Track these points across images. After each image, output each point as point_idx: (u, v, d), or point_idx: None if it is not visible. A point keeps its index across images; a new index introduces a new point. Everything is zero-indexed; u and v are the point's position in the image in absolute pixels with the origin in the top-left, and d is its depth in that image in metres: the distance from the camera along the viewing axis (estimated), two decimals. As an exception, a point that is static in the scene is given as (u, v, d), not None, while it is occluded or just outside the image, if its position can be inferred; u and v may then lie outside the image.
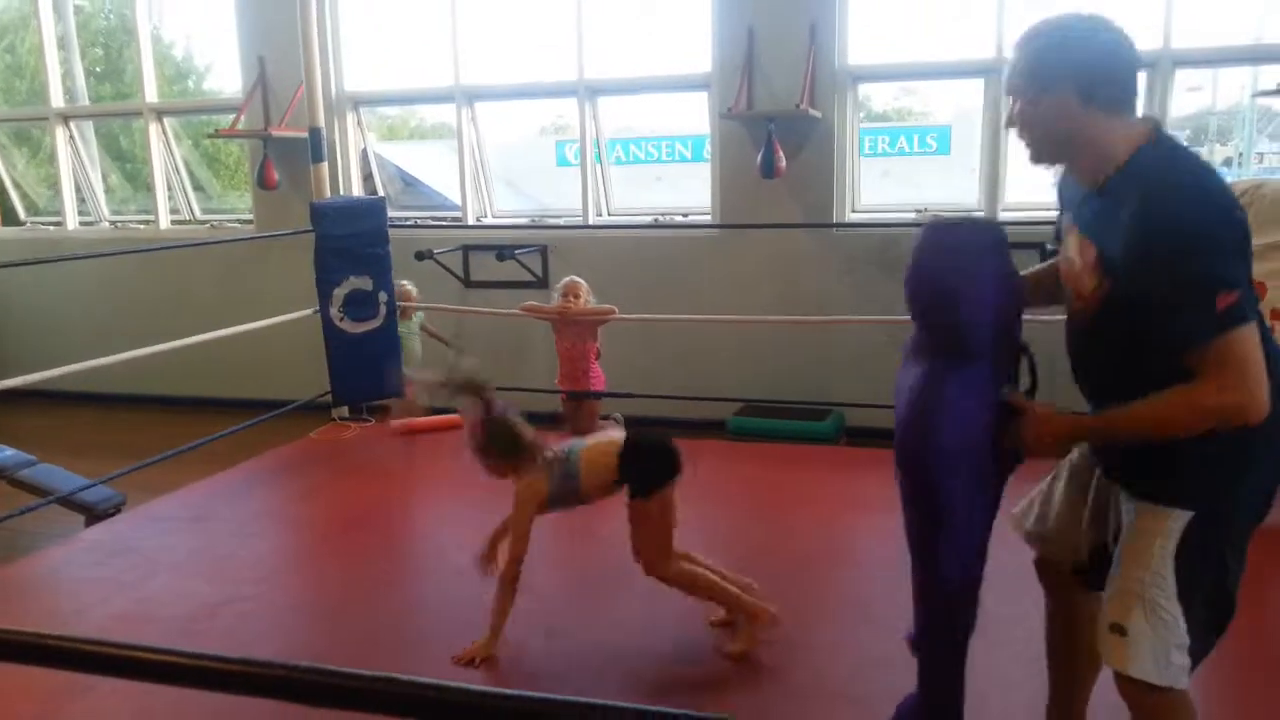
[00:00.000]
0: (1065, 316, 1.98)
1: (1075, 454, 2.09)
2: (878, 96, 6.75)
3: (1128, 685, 1.80)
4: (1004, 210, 5.76)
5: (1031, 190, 5.89)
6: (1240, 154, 6.51)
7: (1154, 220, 1.65)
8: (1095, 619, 1.88)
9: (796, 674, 2.80)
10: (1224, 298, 1.61)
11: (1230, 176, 6.16)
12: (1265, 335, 1.73)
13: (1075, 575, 2.10)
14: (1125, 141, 1.76)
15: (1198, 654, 1.77)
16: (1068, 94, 1.76)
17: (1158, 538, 1.76)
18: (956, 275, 1.88)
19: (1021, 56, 1.83)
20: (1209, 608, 1.77)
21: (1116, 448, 1.88)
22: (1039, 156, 1.87)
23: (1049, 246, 2.22)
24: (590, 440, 2.99)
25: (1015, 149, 5.74)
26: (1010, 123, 1.89)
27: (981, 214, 5.68)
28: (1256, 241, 3.82)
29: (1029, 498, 2.20)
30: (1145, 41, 5.37)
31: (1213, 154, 6.68)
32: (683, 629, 3.08)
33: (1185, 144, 1.85)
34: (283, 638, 3.18)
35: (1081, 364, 1.95)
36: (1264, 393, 1.64)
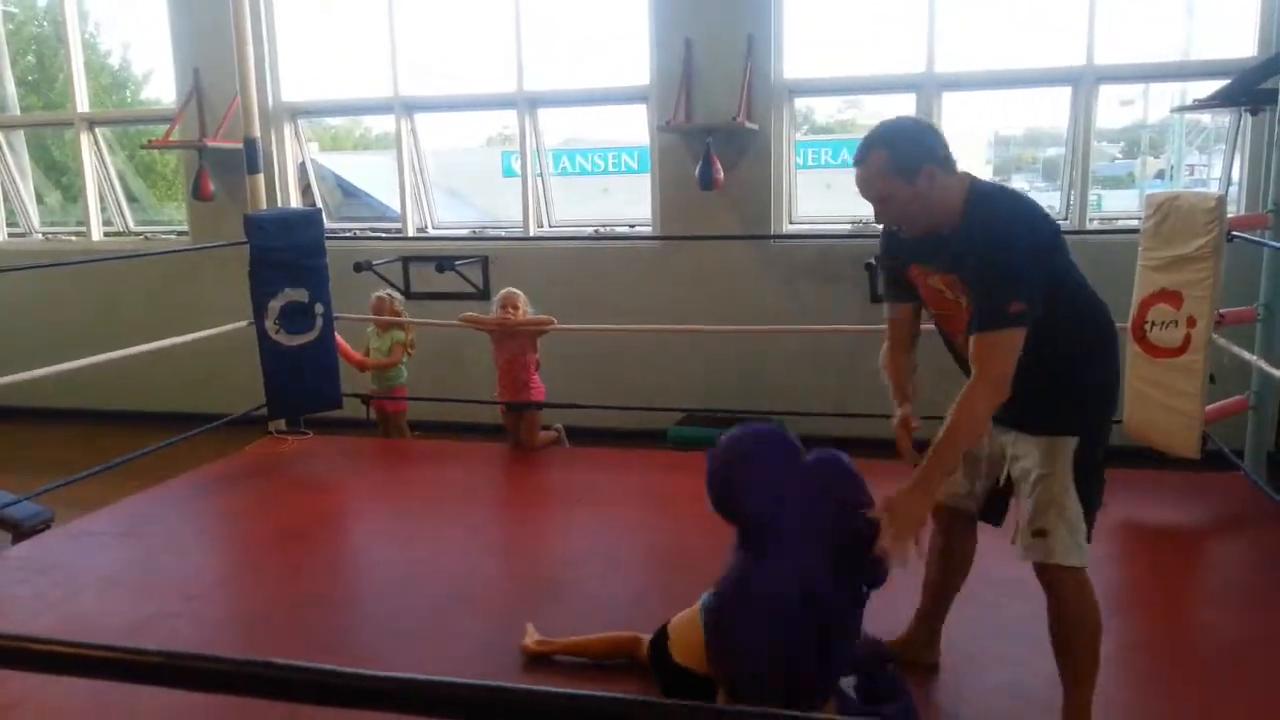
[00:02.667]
0: (953, 348, 2.45)
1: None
2: (821, 109, 6.87)
3: (1051, 572, 2.29)
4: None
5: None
6: (1171, 166, 6.71)
7: (979, 244, 2.17)
8: (972, 538, 2.64)
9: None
10: (999, 304, 2.14)
11: (1159, 188, 6.35)
12: (1080, 283, 2.31)
13: (962, 509, 2.60)
14: (959, 192, 2.23)
15: (1088, 535, 2.31)
16: (933, 172, 2.20)
17: (1060, 459, 2.27)
18: (733, 479, 2.27)
19: (879, 165, 2.22)
20: (1095, 499, 2.32)
21: (1019, 404, 2.23)
22: (923, 231, 2.28)
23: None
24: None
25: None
26: (887, 219, 2.33)
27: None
28: (1170, 252, 3.99)
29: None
30: (1070, 57, 5.54)
31: (1145, 166, 6.88)
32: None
33: (993, 186, 2.33)
34: (222, 650, 3.13)
35: (964, 365, 2.36)
36: (1011, 375, 2.15)
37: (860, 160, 2.25)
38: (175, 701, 2.32)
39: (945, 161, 2.22)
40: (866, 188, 2.25)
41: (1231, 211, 5.21)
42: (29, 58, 8.46)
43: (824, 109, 7.00)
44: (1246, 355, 4.14)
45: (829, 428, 5.55)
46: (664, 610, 3.46)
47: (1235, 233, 4.02)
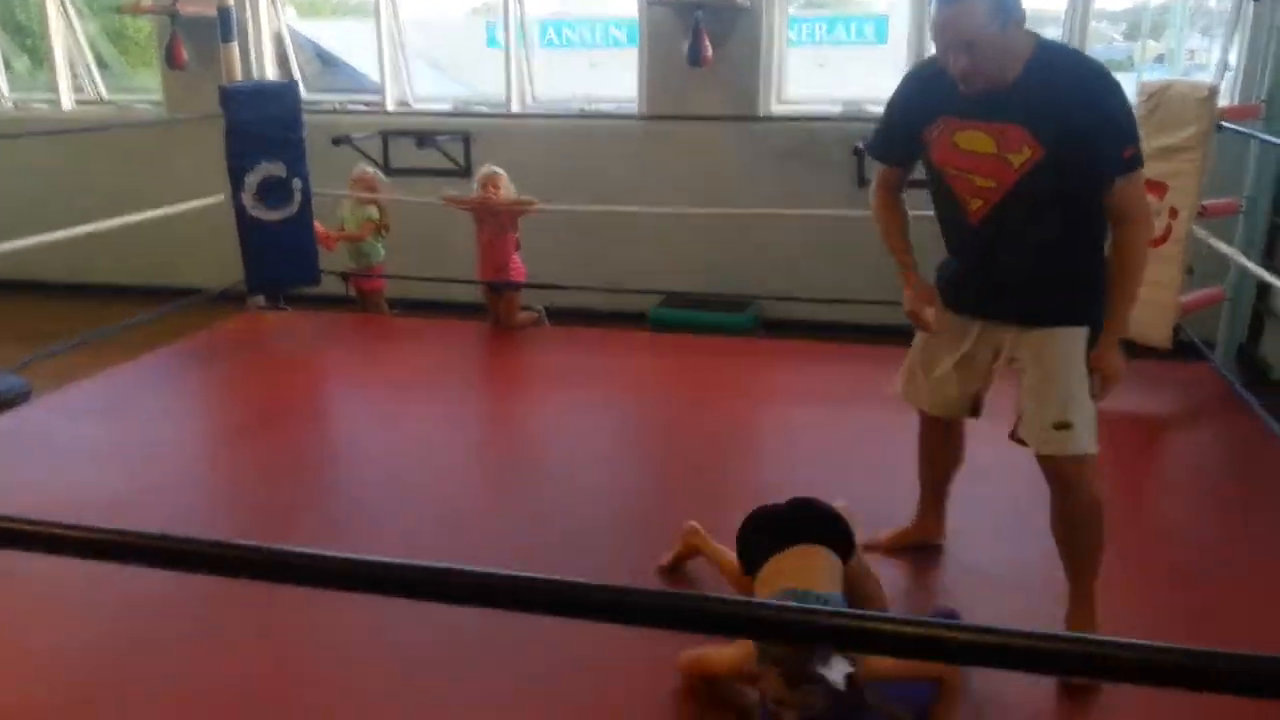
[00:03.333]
0: (952, 218, 2.36)
1: (931, 333, 2.52)
2: (815, -18, 6.66)
3: (1071, 463, 2.29)
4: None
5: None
6: (1171, 50, 6.55)
7: (1084, 88, 2.12)
8: (961, 430, 2.67)
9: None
10: (1130, 148, 2.14)
11: (1160, 72, 6.23)
12: None
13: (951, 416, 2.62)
14: (1025, 44, 2.15)
15: None
16: (1020, 20, 2.12)
17: (1076, 350, 2.27)
18: None
19: (975, 8, 2.07)
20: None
21: (1031, 293, 2.30)
22: (986, 79, 2.14)
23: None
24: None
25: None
26: (964, 69, 2.12)
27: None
28: (1159, 142, 3.94)
29: (904, 372, 2.66)
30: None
31: (1145, 50, 6.73)
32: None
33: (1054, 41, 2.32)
34: (205, 526, 3.19)
35: (987, 247, 2.32)
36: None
37: (953, 4, 2.10)
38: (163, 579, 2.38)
39: (1022, 12, 2.14)
40: (955, 31, 2.10)
41: (1226, 99, 5.16)
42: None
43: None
44: (1225, 248, 4.15)
45: (814, 313, 5.58)
46: (641, 487, 3.55)
47: (1224, 123, 3.97)
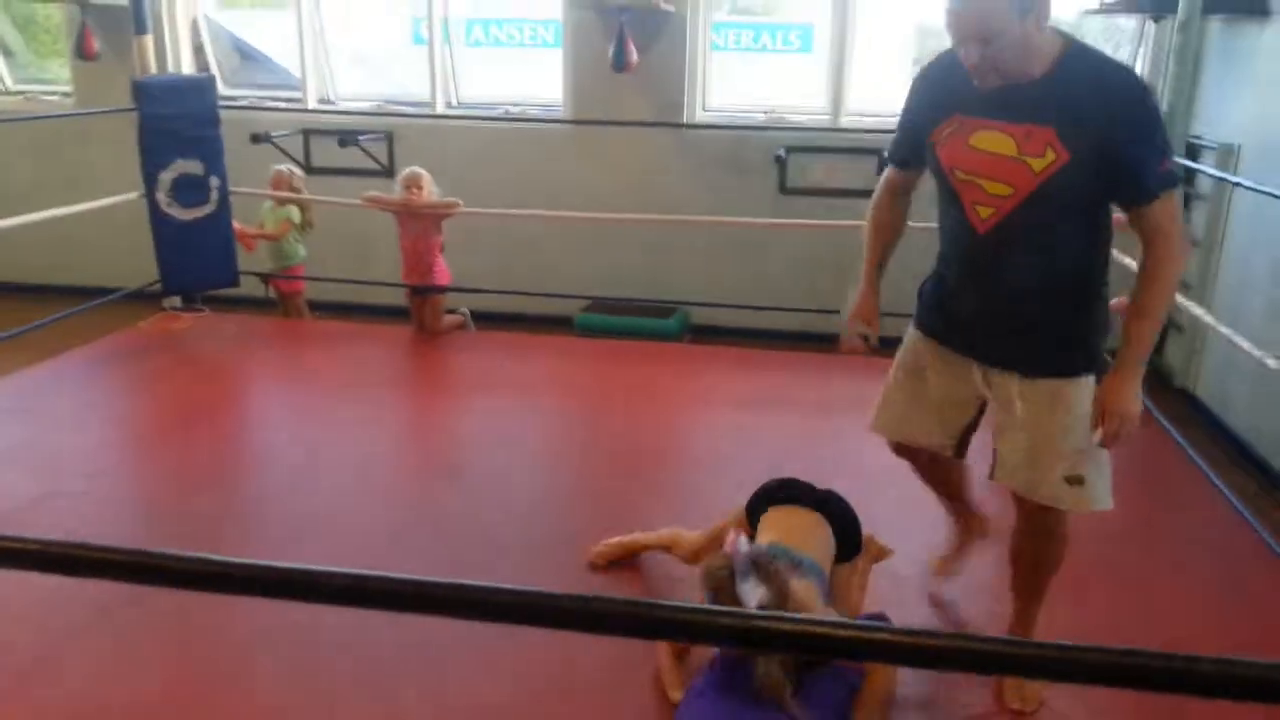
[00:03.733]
0: (958, 228, 2.16)
1: (908, 355, 2.36)
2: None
3: (1057, 514, 2.18)
4: (847, 116, 5.90)
5: (872, 101, 6.06)
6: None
7: (1119, 94, 1.97)
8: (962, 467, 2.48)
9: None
10: (1166, 162, 1.98)
11: None
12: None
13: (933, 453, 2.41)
14: (1053, 41, 2.01)
15: None
16: (1043, 14, 1.96)
17: (1082, 402, 2.08)
18: None
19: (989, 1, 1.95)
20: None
21: (1031, 338, 2.12)
22: (1004, 75, 2.00)
23: (884, 154, 2.37)
24: None
25: (864, 55, 5.89)
26: (980, 64, 1.98)
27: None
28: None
29: (880, 404, 2.43)
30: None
31: None
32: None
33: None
34: (112, 531, 3.12)
35: (991, 261, 2.13)
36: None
37: None
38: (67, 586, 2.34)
39: (1048, 6, 1.98)
40: (970, 23, 1.96)
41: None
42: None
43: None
44: (1124, 258, 4.31)
45: (735, 319, 5.66)
46: (568, 493, 3.56)
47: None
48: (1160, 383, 5.13)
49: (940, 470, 2.53)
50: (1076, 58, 2.01)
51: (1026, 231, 2.06)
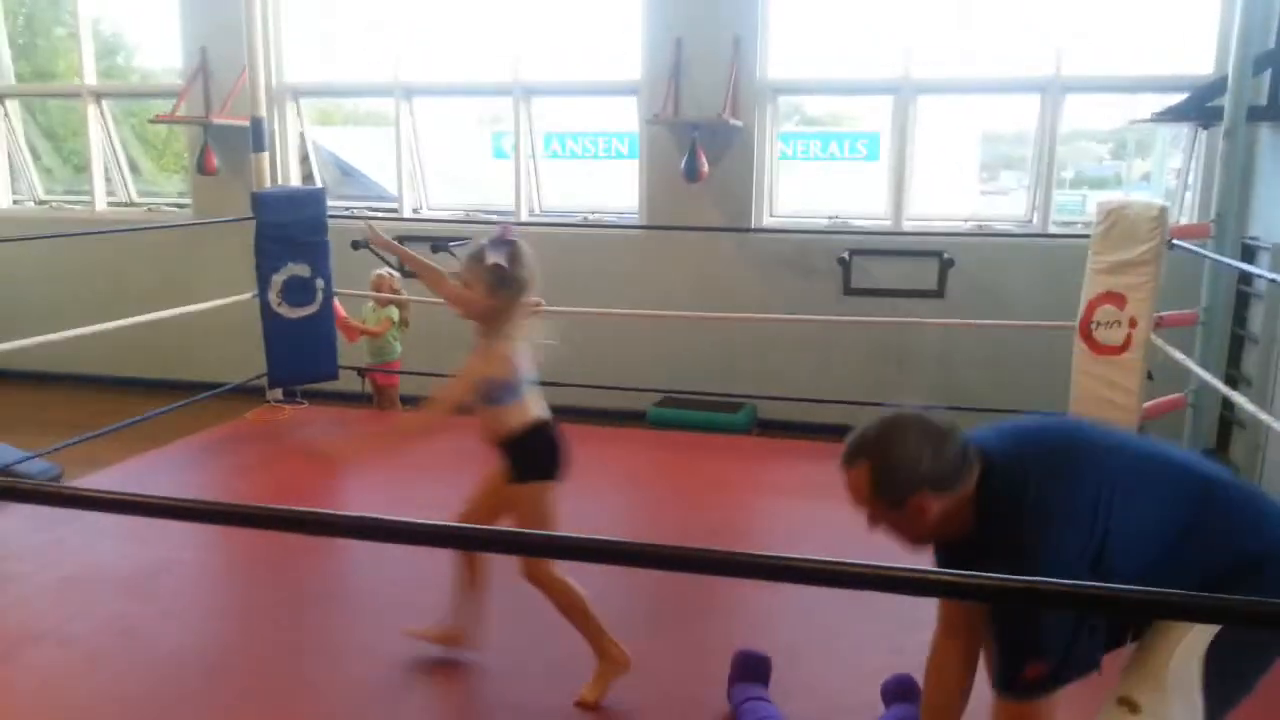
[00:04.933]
0: None
1: None
2: (811, 101, 7.12)
3: None
4: (907, 220, 6.18)
5: (932, 204, 6.34)
6: (1153, 171, 6.90)
7: (995, 560, 1.78)
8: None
9: (698, 629, 3.14)
10: (1034, 668, 1.76)
11: (1143, 189, 6.59)
12: (1255, 492, 1.92)
13: None
14: (965, 503, 1.88)
15: None
16: (926, 499, 1.84)
17: (1184, 637, 1.80)
18: None
19: (863, 483, 1.88)
20: (1239, 698, 1.84)
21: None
22: (916, 545, 1.95)
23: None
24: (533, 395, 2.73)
25: (922, 164, 6.20)
26: (877, 529, 1.94)
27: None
28: (1116, 256, 4.28)
29: None
30: (1040, 66, 5.82)
31: (1131, 169, 7.10)
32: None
33: (1007, 480, 1.86)
34: (224, 594, 3.42)
35: None
36: None
37: (846, 464, 1.91)
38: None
39: (942, 481, 1.84)
40: (851, 495, 1.92)
41: (1186, 219, 5.55)
42: (19, 21, 8.58)
43: (814, 101, 7.23)
44: (1180, 356, 4.46)
45: (801, 414, 5.87)
46: (631, 577, 3.76)
47: (1176, 241, 4.33)
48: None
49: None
50: (983, 514, 1.87)
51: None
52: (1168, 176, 6.52)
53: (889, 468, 1.85)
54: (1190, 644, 1.79)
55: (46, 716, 2.66)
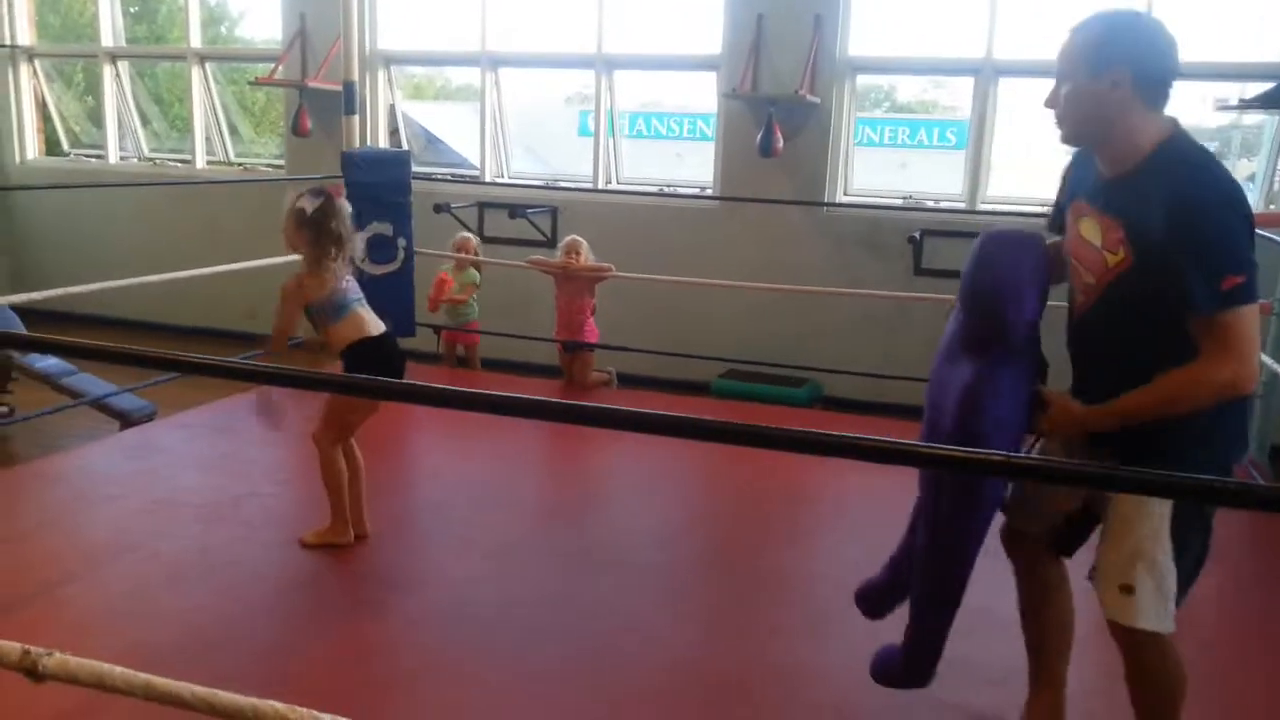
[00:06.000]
0: (1068, 310, 2.18)
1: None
2: (904, 88, 7.11)
3: (1128, 634, 2.05)
4: (984, 203, 6.15)
5: (1013, 186, 6.30)
6: (1262, 171, 6.68)
7: (1183, 200, 1.87)
8: (1065, 582, 2.33)
9: (768, 582, 3.25)
10: (1230, 279, 1.84)
11: (1249, 190, 6.39)
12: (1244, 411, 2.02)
13: (1043, 543, 2.31)
14: (1154, 134, 1.96)
15: (1179, 601, 2.04)
16: (1123, 80, 1.92)
17: (1156, 507, 1.98)
18: (1005, 284, 2.10)
19: (1079, 39, 1.98)
20: (1195, 562, 2.03)
21: (1118, 449, 2.03)
22: (1075, 138, 2.07)
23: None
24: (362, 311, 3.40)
25: (1000, 145, 6.16)
26: (1052, 103, 2.03)
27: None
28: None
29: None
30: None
31: (1235, 169, 6.89)
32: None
33: (1195, 143, 2.00)
34: (300, 524, 3.63)
35: (1082, 354, 2.15)
36: (1255, 367, 1.89)
37: (1072, 29, 2.01)
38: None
39: (1146, 81, 1.92)
40: (1058, 59, 2.02)
41: (1271, 208, 5.43)
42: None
43: (907, 89, 7.21)
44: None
45: (867, 390, 5.91)
46: (708, 528, 3.89)
47: (1258, 229, 4.24)
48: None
49: (1043, 590, 2.36)
50: (1165, 155, 1.95)
51: (1107, 329, 2.05)
52: (1274, 176, 6.31)
53: (1109, 35, 1.95)
54: (1156, 515, 1.98)
55: (134, 620, 2.88)
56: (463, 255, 5.78)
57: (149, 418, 5.05)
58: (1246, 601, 3.32)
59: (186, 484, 3.98)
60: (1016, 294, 2.08)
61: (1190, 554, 2.02)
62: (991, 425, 2.05)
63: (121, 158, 8.14)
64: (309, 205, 3.24)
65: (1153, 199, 1.89)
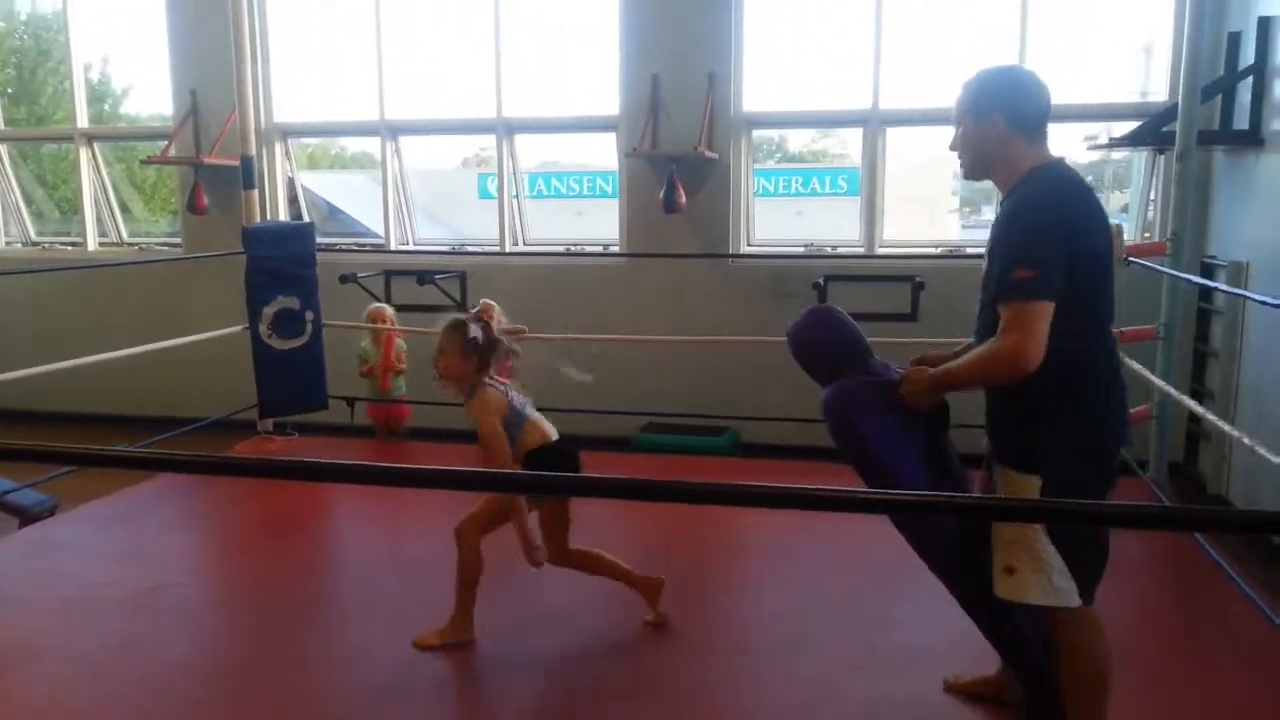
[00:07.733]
0: None
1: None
2: (795, 139, 7.34)
3: (1038, 611, 2.32)
4: (881, 247, 6.36)
5: (907, 230, 6.55)
6: (1135, 202, 7.00)
7: (1013, 207, 2.28)
8: None
9: (717, 635, 3.25)
10: (1021, 271, 2.17)
11: (1123, 221, 6.64)
12: (1108, 347, 2.33)
13: None
14: (1031, 162, 2.32)
15: (1084, 576, 2.29)
16: (999, 122, 2.31)
17: (1026, 490, 2.27)
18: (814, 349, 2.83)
19: (965, 92, 2.38)
20: (1079, 543, 2.27)
21: (995, 432, 2.41)
22: (973, 173, 2.45)
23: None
24: (536, 416, 3.35)
25: (897, 194, 6.40)
26: (953, 145, 2.43)
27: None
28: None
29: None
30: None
31: (1108, 201, 7.24)
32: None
33: (1074, 173, 2.38)
34: (221, 615, 3.52)
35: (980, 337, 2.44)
36: (1035, 351, 2.15)
37: (962, 85, 2.39)
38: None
39: (1020, 120, 2.29)
40: (954, 109, 2.39)
41: (1147, 237, 5.76)
42: (9, 70, 8.76)
43: (798, 139, 7.46)
44: (1144, 372, 4.62)
45: (782, 436, 6.00)
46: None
47: (1131, 258, 4.50)
48: (1197, 490, 5.33)
49: None
50: (1031, 177, 2.29)
51: (985, 326, 2.34)
52: (1148, 209, 6.64)
53: (987, 85, 2.36)
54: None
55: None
56: (379, 326, 5.73)
57: (50, 512, 4.82)
58: (1151, 618, 3.45)
59: (96, 578, 3.81)
60: (834, 364, 2.73)
61: (1066, 537, 2.23)
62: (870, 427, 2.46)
63: (6, 243, 7.86)
64: (476, 332, 3.21)
65: (1003, 216, 2.30)
